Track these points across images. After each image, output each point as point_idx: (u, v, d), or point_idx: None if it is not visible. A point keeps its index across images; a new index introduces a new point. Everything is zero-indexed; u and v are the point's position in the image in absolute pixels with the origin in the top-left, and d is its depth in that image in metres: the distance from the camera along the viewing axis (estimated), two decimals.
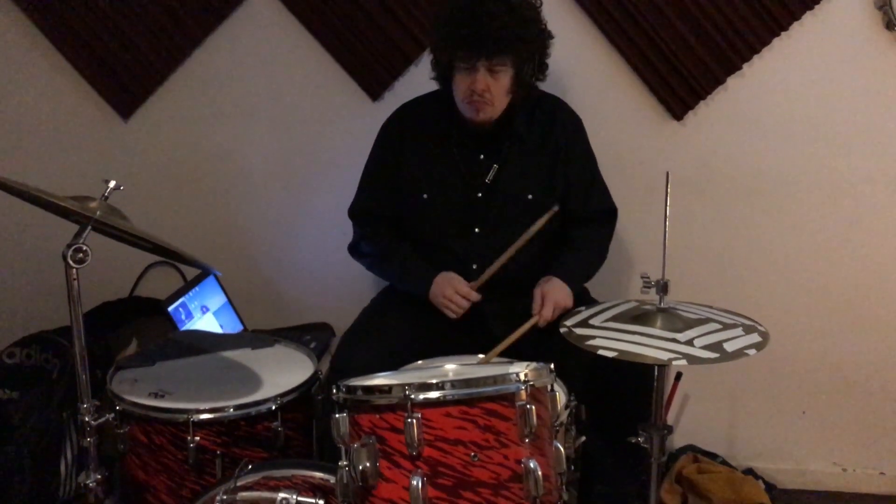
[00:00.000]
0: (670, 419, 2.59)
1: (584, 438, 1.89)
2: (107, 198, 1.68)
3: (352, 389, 1.44)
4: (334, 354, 2.22)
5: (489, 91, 2.05)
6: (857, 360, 2.61)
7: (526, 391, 1.40)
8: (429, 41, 2.25)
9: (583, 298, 2.22)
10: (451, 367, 1.75)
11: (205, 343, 2.17)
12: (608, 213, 2.32)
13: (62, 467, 2.37)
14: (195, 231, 2.72)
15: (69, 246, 1.60)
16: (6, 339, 2.57)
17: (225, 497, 1.58)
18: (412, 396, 1.36)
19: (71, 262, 1.61)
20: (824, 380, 2.64)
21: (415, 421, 1.36)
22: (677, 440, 2.71)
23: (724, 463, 2.63)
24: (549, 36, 2.15)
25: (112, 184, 1.68)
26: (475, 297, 2.11)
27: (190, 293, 2.45)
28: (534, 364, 1.49)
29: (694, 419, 2.70)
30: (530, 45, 2.09)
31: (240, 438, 1.84)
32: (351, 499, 1.43)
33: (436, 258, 2.22)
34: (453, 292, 2.10)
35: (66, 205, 1.56)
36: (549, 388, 1.49)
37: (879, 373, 2.61)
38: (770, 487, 2.60)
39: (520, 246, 2.10)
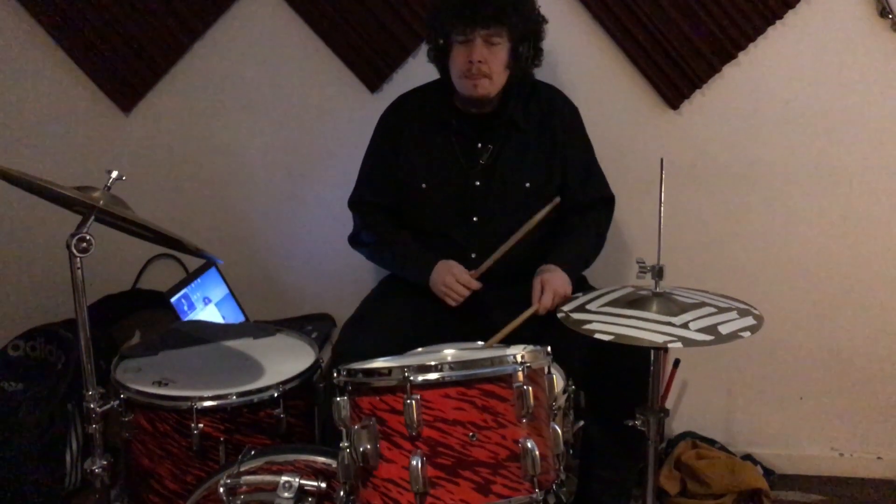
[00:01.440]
0: (669, 406, 2.61)
1: (582, 423, 1.92)
2: (109, 188, 1.70)
3: (352, 372, 1.46)
4: (336, 343, 2.24)
5: (487, 63, 2.07)
6: (853, 346, 2.63)
7: (523, 372, 1.42)
8: (425, 24, 2.26)
9: (581, 286, 2.24)
10: (449, 352, 1.78)
11: (207, 332, 2.19)
12: (606, 201, 2.34)
13: (67, 458, 2.40)
14: (196, 223, 2.74)
15: (73, 235, 1.62)
16: (11, 332, 2.60)
17: (229, 481, 1.60)
18: (411, 378, 1.38)
19: (75, 252, 1.63)
20: (821, 366, 2.66)
21: (414, 402, 1.37)
22: (676, 427, 2.73)
23: (723, 449, 2.65)
24: (543, 20, 2.19)
25: (115, 174, 1.70)
26: (475, 285, 2.12)
27: (192, 284, 2.47)
28: (530, 346, 1.51)
29: (692, 406, 2.73)
30: (525, 19, 2.12)
31: (243, 425, 1.86)
32: (352, 480, 1.44)
33: (435, 247, 2.24)
34: (453, 280, 2.12)
35: (69, 194, 1.58)
36: (545, 370, 1.51)
37: (875, 358, 2.63)
38: (768, 472, 2.62)
39: (521, 237, 2.12)
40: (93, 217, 1.65)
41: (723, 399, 2.72)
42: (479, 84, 2.10)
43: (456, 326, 2.13)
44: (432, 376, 1.39)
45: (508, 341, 1.97)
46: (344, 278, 2.72)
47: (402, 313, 2.19)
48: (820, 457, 2.71)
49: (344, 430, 1.46)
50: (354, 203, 2.36)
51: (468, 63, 2.08)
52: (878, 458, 2.69)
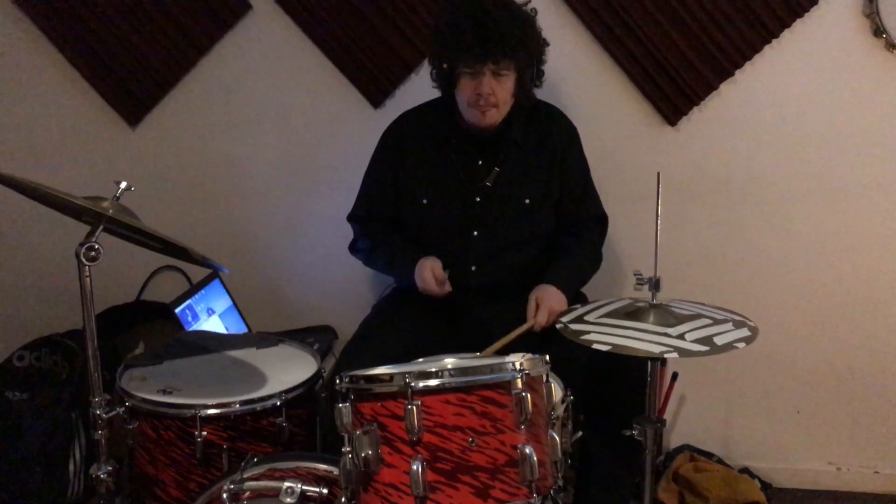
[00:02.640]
0: (667, 419, 2.63)
1: (580, 433, 1.94)
2: (118, 198, 1.73)
3: (354, 379, 1.48)
4: (337, 363, 2.26)
5: (494, 95, 2.10)
6: (849, 360, 2.65)
7: (521, 379, 1.44)
8: (429, 48, 2.29)
9: (578, 299, 2.27)
10: (449, 361, 1.80)
11: (211, 342, 2.21)
12: (599, 220, 2.38)
13: (71, 467, 2.41)
14: (201, 236, 2.77)
15: (82, 244, 1.65)
16: (16, 342, 2.62)
17: (232, 487, 1.62)
18: (412, 384, 1.40)
19: (84, 261, 1.65)
20: (818, 380, 2.67)
21: (415, 408, 1.39)
22: (674, 440, 2.75)
23: (721, 462, 2.66)
24: (546, 43, 2.23)
25: (123, 184, 1.72)
26: (446, 288, 2.16)
27: (196, 296, 2.50)
28: (529, 354, 1.53)
29: (690, 419, 2.74)
30: (532, 50, 2.15)
31: (245, 433, 1.88)
32: (354, 484, 1.47)
33: None
34: (430, 275, 2.15)
35: (80, 203, 1.61)
36: (544, 378, 1.53)
37: (872, 372, 2.64)
38: (765, 486, 2.63)
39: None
40: (101, 226, 1.68)
41: (720, 413, 2.74)
42: (487, 114, 2.14)
43: (454, 342, 2.14)
44: (433, 382, 1.42)
45: (506, 353, 1.99)
46: (346, 291, 2.75)
47: (402, 333, 2.21)
48: (817, 470, 2.72)
49: (346, 436, 1.48)
50: (352, 218, 2.41)
51: (476, 95, 2.11)
52: (875, 472, 2.70)
